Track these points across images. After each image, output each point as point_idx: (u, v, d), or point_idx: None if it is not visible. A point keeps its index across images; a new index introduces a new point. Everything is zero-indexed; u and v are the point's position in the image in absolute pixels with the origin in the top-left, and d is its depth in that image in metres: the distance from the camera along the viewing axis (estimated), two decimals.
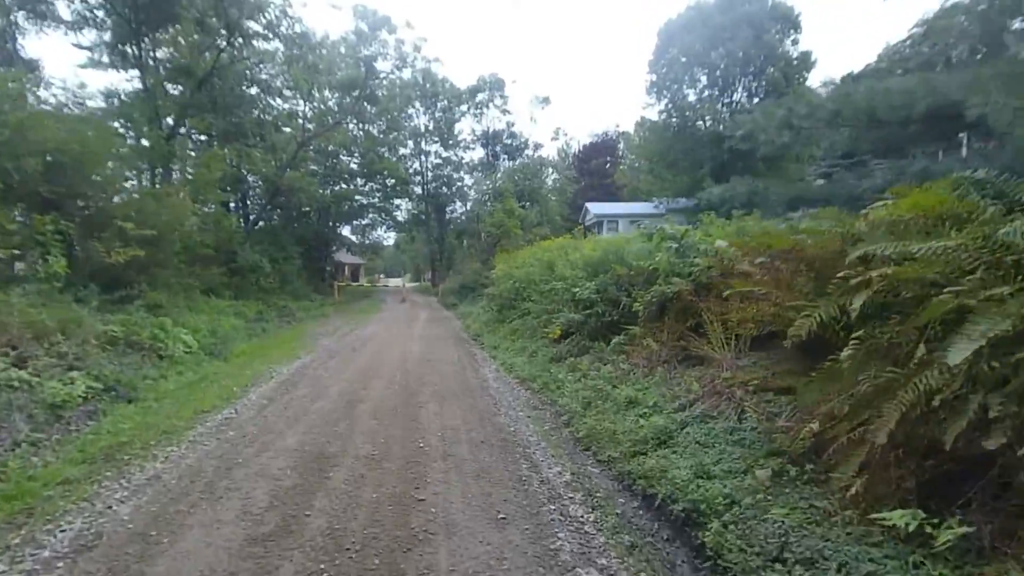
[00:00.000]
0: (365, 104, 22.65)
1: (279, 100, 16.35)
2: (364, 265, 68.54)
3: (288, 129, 19.89)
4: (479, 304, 18.18)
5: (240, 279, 15.95)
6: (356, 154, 28.91)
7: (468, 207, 37.79)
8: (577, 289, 8.06)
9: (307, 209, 27.55)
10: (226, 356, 8.89)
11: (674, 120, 29.37)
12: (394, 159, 29.11)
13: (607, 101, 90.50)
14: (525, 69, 79.49)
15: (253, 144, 14.93)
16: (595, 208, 32.92)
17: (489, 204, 21.88)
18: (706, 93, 28.08)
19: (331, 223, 32.25)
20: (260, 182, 19.72)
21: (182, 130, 16.45)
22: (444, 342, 11.66)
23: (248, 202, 20.17)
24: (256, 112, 13.07)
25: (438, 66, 33.02)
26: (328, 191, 25.75)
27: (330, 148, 27.43)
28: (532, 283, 11.14)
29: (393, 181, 32.26)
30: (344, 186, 27.07)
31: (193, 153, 17.74)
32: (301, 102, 18.55)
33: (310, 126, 20.58)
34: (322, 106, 21.82)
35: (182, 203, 10.93)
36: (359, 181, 31.95)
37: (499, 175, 20.65)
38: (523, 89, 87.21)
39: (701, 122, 28.61)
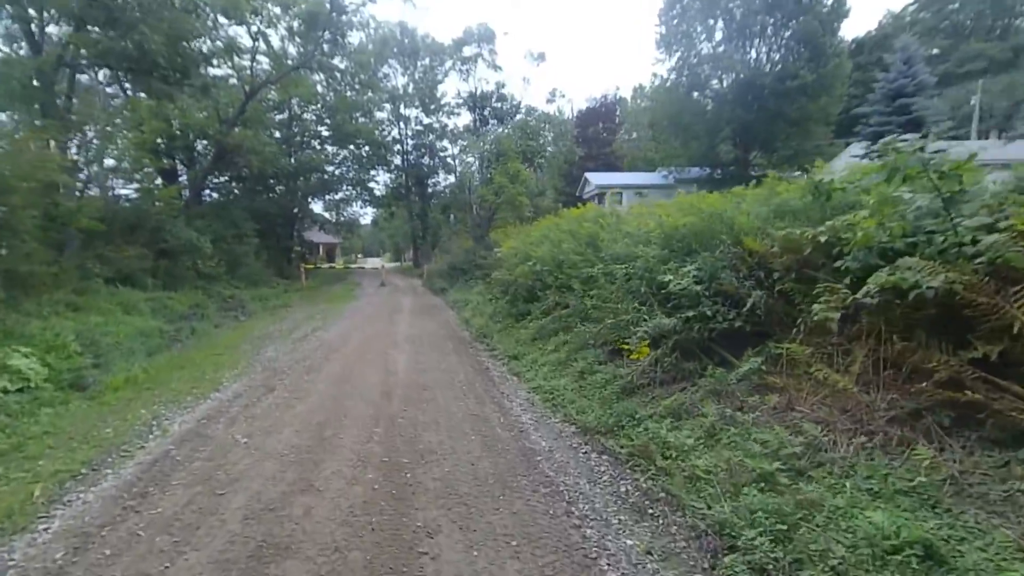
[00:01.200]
0: (331, 49, 18.76)
1: (213, 25, 12.53)
2: (340, 245, 64.44)
3: (231, 73, 16.02)
4: (475, 289, 15.03)
5: (170, 263, 12.41)
6: (324, 117, 24.98)
7: (455, 178, 34.21)
8: (670, 277, 4.94)
9: (271, 181, 23.77)
10: (100, 389, 5.58)
11: (685, 78, 26.09)
12: (369, 124, 25.24)
13: (607, 62, 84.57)
14: (517, 22, 72.99)
15: (172, 81, 11.19)
16: (596, 178, 29.75)
17: (483, 170, 18.51)
18: (722, 48, 24.76)
19: (299, 195, 28.45)
20: (200, 141, 15.92)
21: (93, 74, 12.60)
22: (441, 347, 8.52)
23: (192, 166, 16.34)
24: (173, 35, 9.54)
25: (417, 16, 28.99)
26: (292, 159, 21.93)
27: (294, 108, 23.48)
28: (565, 266, 8.00)
29: (369, 149, 28.43)
30: (311, 153, 23.22)
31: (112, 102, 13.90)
32: (245, 35, 14.74)
33: (262, 69, 16.72)
34: (276, 47, 17.91)
35: (44, 156, 7.38)
36: (330, 149, 28.07)
37: (498, 132, 17.31)
38: (515, 44, 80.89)
39: (717, 80, 25.44)
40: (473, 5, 69.77)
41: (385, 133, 29.03)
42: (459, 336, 9.68)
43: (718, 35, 25.18)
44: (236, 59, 14.79)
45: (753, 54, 23.53)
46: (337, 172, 31.24)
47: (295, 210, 30.39)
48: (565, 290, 7.74)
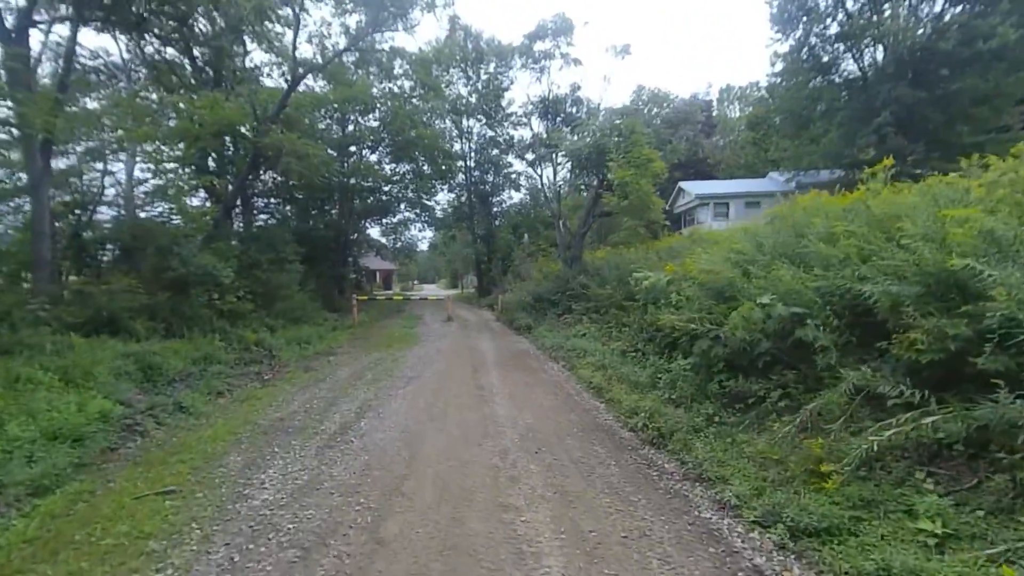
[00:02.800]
0: (384, 37, 15.73)
1: None
2: (397, 272, 62.67)
3: (269, 61, 13.13)
4: (575, 328, 10.96)
5: (177, 298, 9.14)
6: (381, 129, 22.14)
7: (523, 194, 30.64)
8: None
9: (321, 200, 21.01)
10: None
11: (807, 61, 21.20)
12: (430, 130, 22.15)
13: (693, 58, 75.86)
14: (595, 9, 60.82)
15: (177, 42, 8.10)
16: (694, 188, 25.09)
17: (578, 176, 14.50)
18: (867, 14, 19.70)
19: (354, 217, 25.76)
20: (233, 144, 13.00)
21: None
22: (593, 469, 4.33)
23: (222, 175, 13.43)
24: None
25: (483, 17, 26.10)
26: (343, 173, 19.00)
27: (348, 118, 20.73)
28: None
29: (429, 166, 25.41)
30: (366, 167, 20.23)
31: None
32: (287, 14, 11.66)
33: (304, 54, 13.76)
34: (323, 29, 15.06)
35: None
36: (387, 168, 25.27)
37: (598, 119, 13.44)
38: (594, 36, 70.13)
39: (855, 58, 20.37)
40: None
41: (447, 143, 25.79)
42: (603, 426, 5.46)
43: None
44: (275, 30, 11.73)
45: (914, 14, 18.37)
46: (395, 191, 28.55)
47: (351, 234, 27.86)
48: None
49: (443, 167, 24.85)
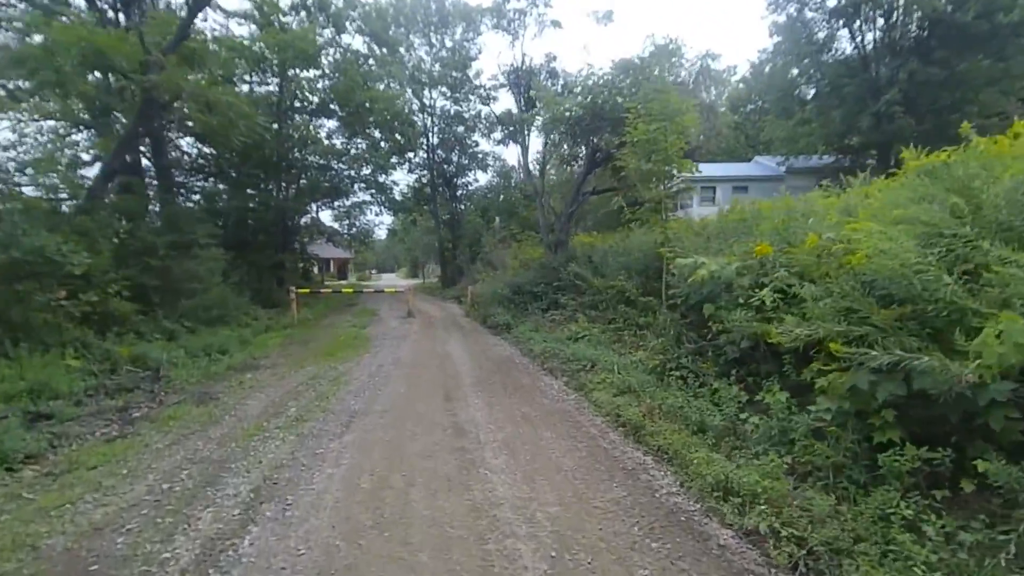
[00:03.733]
0: None
1: None
2: (353, 260, 58.68)
3: None
4: (570, 326, 8.73)
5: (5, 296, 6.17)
6: (330, 93, 18.94)
7: (492, 175, 28.03)
8: None
9: (256, 174, 17.66)
10: None
11: (802, 37, 19.57)
12: (388, 93, 19.09)
13: (685, 26, 73.99)
14: None
15: None
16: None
17: (567, 142, 12.00)
18: None
19: (300, 196, 22.52)
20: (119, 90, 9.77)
21: None
22: None
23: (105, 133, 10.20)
24: None
25: None
26: (284, 132, 15.85)
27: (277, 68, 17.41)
28: None
29: (385, 144, 22.33)
30: (310, 125, 17.01)
31: None
32: None
33: None
34: None
35: None
36: (337, 140, 22.09)
37: (594, 77, 10.97)
38: (574, 3, 69.34)
39: (852, 38, 18.86)
40: None
41: (405, 111, 22.61)
42: (678, 519, 3.13)
43: None
44: None
45: None
46: (348, 170, 25.38)
47: (297, 217, 24.57)
48: None
49: (401, 139, 21.88)
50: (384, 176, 28.01)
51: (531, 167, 14.65)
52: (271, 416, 5.36)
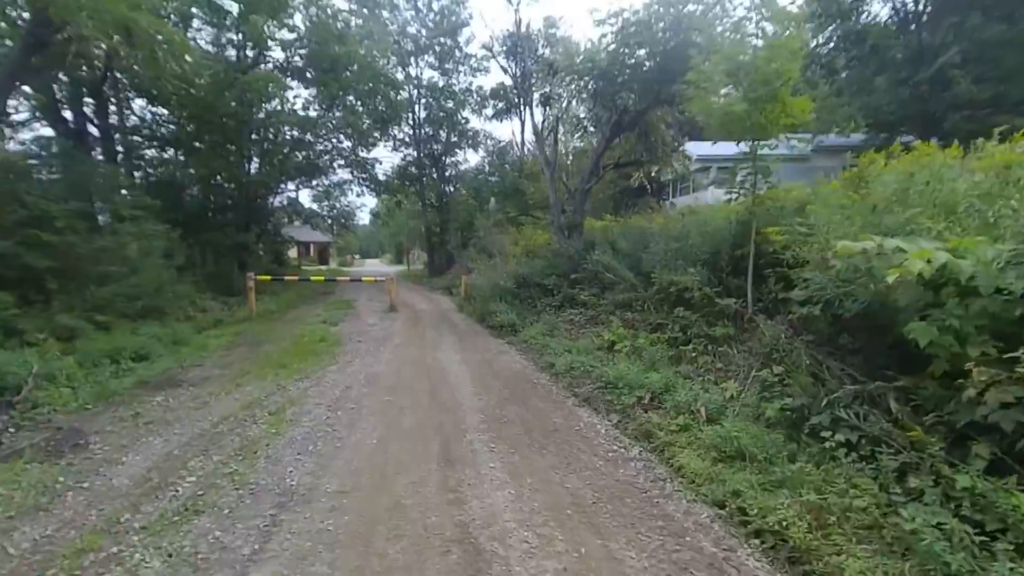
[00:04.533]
0: None
1: None
2: (334, 245, 55.78)
3: None
4: (598, 331, 6.72)
5: None
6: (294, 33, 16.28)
7: (483, 156, 25.63)
8: None
9: (218, 141, 15.01)
10: None
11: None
12: (368, 56, 16.50)
13: None
14: None
15: None
16: (693, 149, 21.16)
17: (588, 101, 9.65)
18: None
19: (273, 171, 20.02)
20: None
21: None
22: None
23: None
24: None
25: None
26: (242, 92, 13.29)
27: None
28: None
29: (365, 114, 19.75)
30: (267, 74, 14.37)
31: None
32: None
33: None
34: None
35: None
36: (313, 110, 19.52)
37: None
38: None
39: None
40: None
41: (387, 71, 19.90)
42: None
43: None
44: None
45: None
46: (325, 144, 22.85)
47: (268, 194, 22.05)
48: None
49: (384, 108, 19.38)
50: (365, 151, 25.53)
51: (533, 140, 12.42)
52: (144, 496, 3.16)
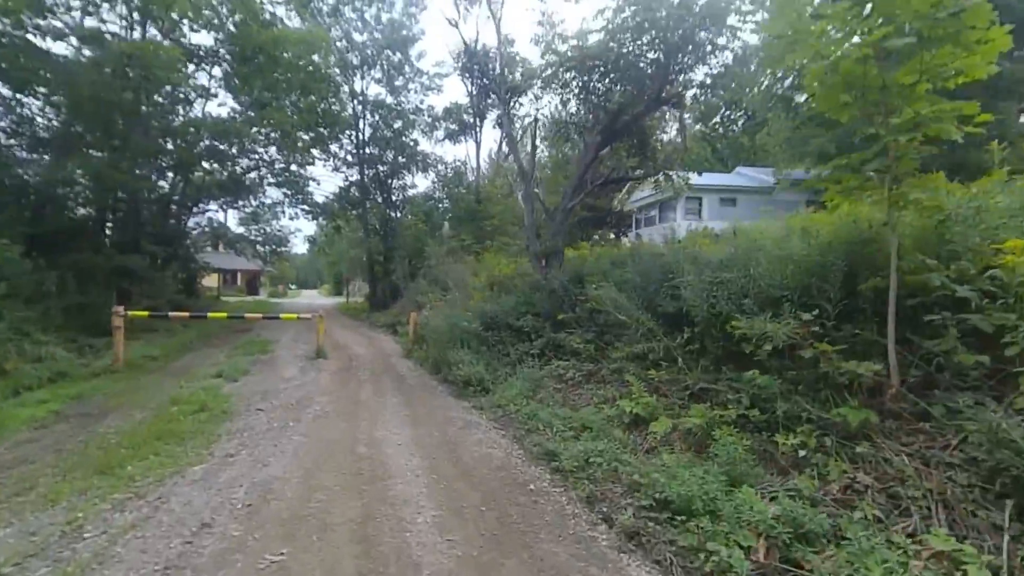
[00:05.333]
0: None
1: None
2: (264, 273, 50.95)
3: None
4: (607, 393, 4.65)
5: None
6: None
7: (433, 180, 23.48)
8: None
9: (86, 135, 11.86)
10: None
11: None
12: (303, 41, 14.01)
13: None
14: None
15: None
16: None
17: (578, 104, 7.78)
18: None
19: (178, 183, 16.99)
20: None
21: None
22: None
23: None
24: None
25: None
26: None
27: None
28: None
29: (301, 123, 17.13)
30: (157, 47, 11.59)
31: None
32: None
33: None
34: None
35: None
36: (237, 114, 16.74)
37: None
38: None
39: None
40: None
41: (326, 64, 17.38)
42: None
43: None
44: None
45: None
46: (251, 155, 20.04)
47: (181, 217, 18.93)
48: None
49: (320, 117, 16.94)
50: (300, 168, 22.77)
51: (489, 162, 10.44)
52: None
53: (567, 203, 8.34)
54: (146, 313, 9.00)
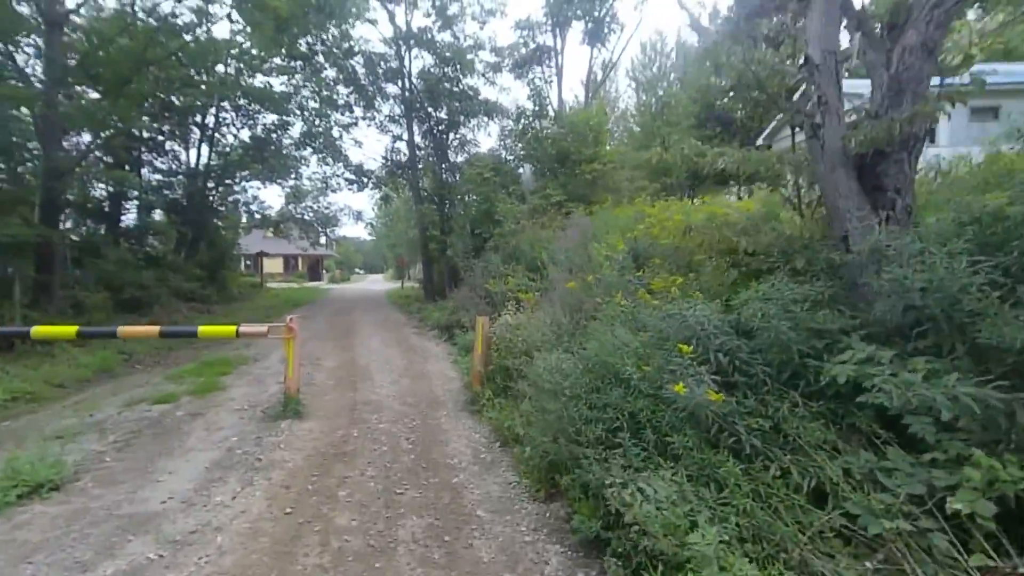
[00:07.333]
0: None
1: None
2: (330, 258, 48.49)
3: None
4: None
5: None
6: None
7: (506, 128, 17.86)
8: None
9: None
10: None
11: None
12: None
13: None
14: None
15: None
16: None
17: None
18: None
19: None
20: None
21: None
22: None
23: None
24: None
25: None
26: None
27: None
28: None
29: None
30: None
31: None
32: None
33: None
34: None
35: None
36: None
37: None
38: None
39: None
40: None
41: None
42: None
43: None
44: None
45: None
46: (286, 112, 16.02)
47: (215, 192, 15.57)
48: None
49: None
50: (334, 127, 18.48)
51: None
52: None
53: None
54: (74, 328, 4.51)
